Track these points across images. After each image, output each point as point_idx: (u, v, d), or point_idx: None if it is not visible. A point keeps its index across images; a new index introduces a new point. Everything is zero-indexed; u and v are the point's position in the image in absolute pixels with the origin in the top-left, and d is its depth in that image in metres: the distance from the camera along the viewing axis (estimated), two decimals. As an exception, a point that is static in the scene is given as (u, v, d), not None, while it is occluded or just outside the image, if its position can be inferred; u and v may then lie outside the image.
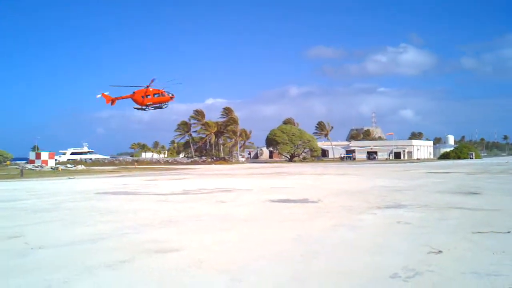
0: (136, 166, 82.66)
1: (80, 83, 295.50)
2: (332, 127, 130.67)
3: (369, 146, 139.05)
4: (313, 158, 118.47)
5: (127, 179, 38.13)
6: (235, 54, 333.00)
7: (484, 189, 22.33)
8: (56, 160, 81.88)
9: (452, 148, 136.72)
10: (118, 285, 6.84)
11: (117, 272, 7.45)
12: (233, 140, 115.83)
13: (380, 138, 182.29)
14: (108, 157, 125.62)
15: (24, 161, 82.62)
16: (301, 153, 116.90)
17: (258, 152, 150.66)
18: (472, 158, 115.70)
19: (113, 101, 58.13)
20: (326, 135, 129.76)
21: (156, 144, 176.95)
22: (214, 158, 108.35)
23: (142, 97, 56.97)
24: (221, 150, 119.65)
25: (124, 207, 16.69)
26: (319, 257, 8.24)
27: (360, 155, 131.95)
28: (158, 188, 26.31)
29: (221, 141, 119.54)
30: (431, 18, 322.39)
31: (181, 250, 8.96)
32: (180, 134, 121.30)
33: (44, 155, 73.03)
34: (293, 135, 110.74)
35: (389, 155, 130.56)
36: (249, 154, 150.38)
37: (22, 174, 46.98)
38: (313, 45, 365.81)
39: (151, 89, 56.90)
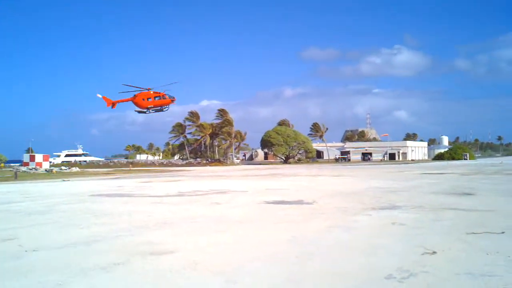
0: (131, 168, 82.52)
1: (75, 84, 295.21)
2: (327, 129, 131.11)
3: (364, 147, 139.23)
4: (308, 159, 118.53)
5: (121, 181, 38.04)
6: (230, 56, 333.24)
7: (478, 190, 22.41)
8: (50, 162, 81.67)
9: (446, 149, 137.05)
10: (112, 287, 6.83)
11: (112, 274, 7.43)
12: (228, 141, 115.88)
13: (375, 139, 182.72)
14: (102, 159, 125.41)
15: (18, 164, 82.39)
16: (296, 155, 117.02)
17: (253, 153, 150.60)
18: (467, 159, 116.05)
19: (113, 104, 58.03)
20: (321, 136, 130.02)
21: (151, 146, 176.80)
22: (209, 160, 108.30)
23: (143, 100, 56.86)
24: (216, 151, 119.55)
25: (118, 209, 16.64)
26: (314, 258, 8.25)
27: (355, 156, 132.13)
28: (153, 190, 26.26)
29: (216, 143, 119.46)
30: (425, 20, 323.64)
31: (176, 252, 8.95)
32: (175, 136, 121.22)
33: (38, 157, 72.92)
34: (288, 137, 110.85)
35: (384, 156, 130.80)
36: (244, 155, 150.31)
37: (16, 177, 46.80)
38: (307, 47, 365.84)
39: (152, 92, 56.81)
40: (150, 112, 58.96)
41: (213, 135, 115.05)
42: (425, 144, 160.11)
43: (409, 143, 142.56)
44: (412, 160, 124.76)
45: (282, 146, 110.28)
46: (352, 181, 32.13)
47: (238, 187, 27.38)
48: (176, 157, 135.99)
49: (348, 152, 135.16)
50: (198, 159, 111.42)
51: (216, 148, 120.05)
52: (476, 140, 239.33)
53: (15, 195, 24.57)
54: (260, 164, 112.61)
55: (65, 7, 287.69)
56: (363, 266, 7.62)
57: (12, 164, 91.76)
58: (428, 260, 7.92)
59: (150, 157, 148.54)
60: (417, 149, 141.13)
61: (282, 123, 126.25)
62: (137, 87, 56.39)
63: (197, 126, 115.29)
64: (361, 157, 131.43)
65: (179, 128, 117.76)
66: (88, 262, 8.17)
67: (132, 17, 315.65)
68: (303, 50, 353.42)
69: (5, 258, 8.70)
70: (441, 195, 19.72)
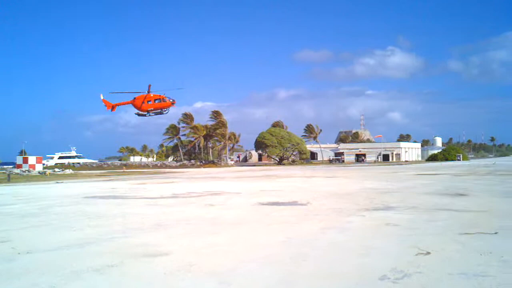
0: (125, 170, 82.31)
1: (68, 86, 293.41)
2: (321, 130, 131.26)
3: (358, 149, 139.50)
4: (302, 161, 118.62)
5: (115, 183, 37.93)
6: (223, 58, 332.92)
7: (472, 190, 22.51)
8: (43, 164, 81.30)
9: (440, 150, 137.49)
10: (106, 289, 6.81)
11: (105, 276, 7.41)
12: (222, 143, 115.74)
13: (368, 141, 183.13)
14: (96, 161, 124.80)
15: (11, 166, 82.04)
16: (290, 156, 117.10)
17: (247, 155, 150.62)
18: (460, 160, 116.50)
19: (113, 107, 57.78)
20: (315, 137, 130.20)
21: (144, 148, 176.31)
22: (203, 162, 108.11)
23: (143, 103, 56.63)
24: (210, 153, 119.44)
25: (112, 211, 16.60)
26: (308, 259, 8.26)
27: (349, 157, 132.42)
28: (147, 192, 26.20)
29: (210, 144, 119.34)
30: (418, 21, 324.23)
31: (170, 254, 8.93)
32: (169, 138, 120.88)
33: (32, 160, 72.57)
34: (282, 138, 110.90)
35: (378, 158, 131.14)
36: (238, 157, 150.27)
37: (9, 179, 46.57)
38: (301, 48, 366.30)
39: (151, 95, 56.57)
40: (150, 115, 58.74)
41: (207, 137, 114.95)
42: (419, 145, 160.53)
43: (402, 144, 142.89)
44: (405, 161, 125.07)
45: (276, 148, 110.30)
46: (346, 182, 32.18)
47: (232, 189, 27.36)
48: (170, 158, 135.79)
49: (342, 153, 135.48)
50: (192, 160, 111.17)
51: (210, 150, 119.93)
52: (469, 141, 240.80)
53: (8, 198, 24.45)
54: (254, 165, 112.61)
55: (61, 8, 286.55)
56: (357, 267, 7.64)
57: (5, 166, 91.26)
58: (422, 261, 7.94)
59: (144, 159, 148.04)
60: (411, 150, 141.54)
61: (276, 125, 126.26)
62: (129, 92, 56.27)
63: (191, 128, 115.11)
64: (355, 158, 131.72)
65: (173, 130, 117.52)
66: (82, 264, 8.14)
67: (127, 19, 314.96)
68: (297, 52, 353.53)
69: (-2, 261, 8.65)
70: (434, 196, 19.79)
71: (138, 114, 58.68)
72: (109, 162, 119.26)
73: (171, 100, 57.80)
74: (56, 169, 77.08)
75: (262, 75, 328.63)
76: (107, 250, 9.41)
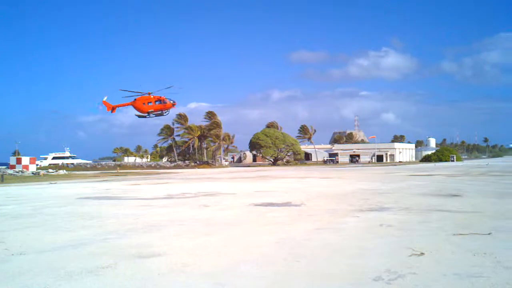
0: (119, 171, 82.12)
1: (62, 87, 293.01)
2: (315, 131, 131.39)
3: (352, 149, 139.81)
4: (297, 161, 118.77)
5: (109, 184, 37.83)
6: (218, 58, 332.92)
7: (465, 191, 22.59)
8: (37, 165, 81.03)
9: (433, 151, 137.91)
10: (100, 291, 6.78)
11: (99, 277, 7.38)
12: (217, 144, 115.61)
13: (362, 141, 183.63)
14: (90, 161, 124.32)
15: (5, 166, 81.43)
16: (285, 157, 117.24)
17: (242, 155, 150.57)
18: (454, 161, 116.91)
19: (113, 109, 57.56)
20: (309, 138, 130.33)
21: (138, 148, 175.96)
22: (198, 162, 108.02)
23: (144, 104, 56.40)
24: (205, 154, 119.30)
25: (106, 212, 16.55)
26: (302, 260, 8.25)
27: (343, 158, 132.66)
28: (141, 193, 26.14)
29: (204, 145, 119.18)
30: (412, 22, 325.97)
31: (164, 254, 8.91)
32: (163, 138, 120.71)
33: (25, 160, 72.21)
34: (276, 139, 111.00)
35: (372, 158, 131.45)
36: (233, 158, 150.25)
37: (2, 180, 46.36)
38: (296, 50, 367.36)
39: (152, 96, 56.34)
40: (150, 117, 58.52)
41: (201, 137, 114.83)
42: (413, 146, 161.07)
43: (396, 145, 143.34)
44: (399, 162, 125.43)
45: (271, 148, 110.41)
46: (340, 183, 32.22)
47: (226, 190, 27.35)
48: (165, 159, 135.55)
49: (336, 154, 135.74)
50: (186, 161, 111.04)
51: (205, 150, 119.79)
52: (463, 142, 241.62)
53: (1, 198, 24.33)
54: (248, 166, 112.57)
55: (60, 8, 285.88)
56: (351, 268, 7.65)
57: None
58: (415, 262, 7.96)
59: (138, 160, 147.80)
60: (405, 151, 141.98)
61: (270, 125, 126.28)
62: (137, 92, 56.02)
63: (185, 128, 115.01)
64: (349, 159, 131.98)
65: (167, 131, 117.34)
66: (75, 266, 8.11)
67: (122, 20, 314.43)
68: (291, 53, 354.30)
69: (-10, 262, 8.61)
70: (428, 197, 19.85)
71: (139, 116, 58.46)
72: (103, 163, 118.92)
73: (171, 102, 57.61)
74: (50, 170, 76.83)
75: (257, 76, 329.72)
76: (100, 251, 9.38)
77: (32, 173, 64.81)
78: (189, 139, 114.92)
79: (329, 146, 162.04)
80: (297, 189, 26.89)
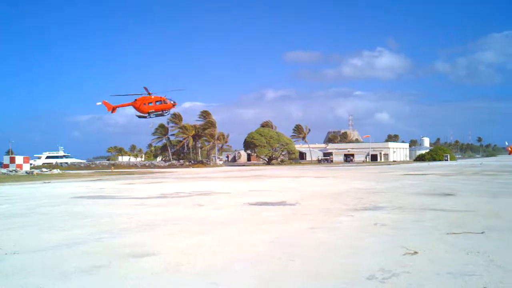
0: (113, 170, 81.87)
1: (56, 86, 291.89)
2: (310, 130, 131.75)
3: (346, 149, 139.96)
4: (291, 160, 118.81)
5: (103, 183, 37.72)
6: (213, 58, 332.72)
7: (459, 190, 22.67)
8: (31, 164, 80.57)
9: (427, 150, 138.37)
10: (93, 290, 6.77)
11: (93, 277, 7.36)
12: (211, 143, 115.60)
13: (357, 141, 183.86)
14: (84, 161, 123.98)
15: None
16: (279, 156, 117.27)
17: (236, 155, 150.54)
18: (447, 160, 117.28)
19: (114, 109, 57.35)
20: (303, 138, 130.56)
21: (133, 148, 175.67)
22: (192, 162, 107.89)
23: (144, 104, 56.18)
24: (199, 153, 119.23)
25: (100, 212, 16.50)
26: (296, 259, 8.26)
27: (338, 157, 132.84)
28: (135, 192, 26.08)
29: (199, 144, 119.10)
30: (406, 22, 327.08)
31: (158, 254, 8.90)
32: (157, 138, 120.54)
33: (19, 159, 71.83)
34: (271, 138, 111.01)
35: (366, 158, 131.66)
36: (227, 157, 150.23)
37: (-5, 179, 46.10)
38: (290, 49, 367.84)
39: (153, 97, 56.12)
40: (151, 117, 58.33)
41: (196, 137, 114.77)
42: (407, 145, 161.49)
43: (391, 144, 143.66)
44: (393, 161, 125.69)
45: (265, 148, 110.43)
46: (334, 182, 32.27)
47: (221, 189, 27.33)
48: (159, 158, 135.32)
49: (330, 154, 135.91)
50: (181, 160, 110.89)
51: (199, 150, 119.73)
52: (457, 141, 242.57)
53: (-6, 198, 24.20)
54: (243, 165, 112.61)
55: (56, 9, 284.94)
56: (345, 267, 7.66)
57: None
58: (409, 260, 7.99)
59: (133, 159, 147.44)
60: (399, 151, 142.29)
61: (265, 125, 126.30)
62: (137, 94, 55.89)
63: (180, 128, 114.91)
64: (344, 158, 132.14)
65: (161, 130, 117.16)
66: (69, 265, 8.09)
67: (121, 20, 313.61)
68: (286, 53, 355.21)
69: (-16, 262, 8.57)
70: (422, 196, 19.91)
71: (139, 116, 58.23)
72: (97, 162, 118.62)
73: (172, 102, 57.44)
74: (44, 169, 76.43)
75: (251, 76, 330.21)
76: (94, 251, 9.35)
77: (26, 172, 64.50)
78: (184, 139, 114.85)
79: (323, 145, 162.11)
80: (292, 188, 26.91)
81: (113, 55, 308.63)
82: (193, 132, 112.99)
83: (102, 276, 7.40)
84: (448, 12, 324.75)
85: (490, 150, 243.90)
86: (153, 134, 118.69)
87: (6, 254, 9.21)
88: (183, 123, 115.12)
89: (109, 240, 10.59)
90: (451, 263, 7.78)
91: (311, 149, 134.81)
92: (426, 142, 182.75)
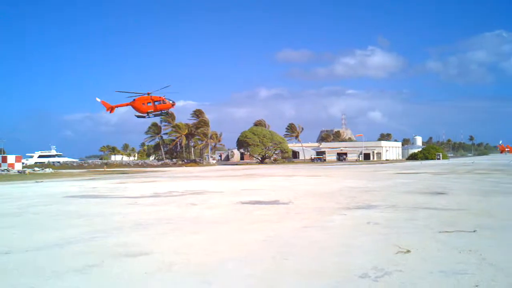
0: (106, 169, 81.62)
1: (48, 84, 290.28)
2: (303, 129, 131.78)
3: (339, 148, 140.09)
4: (284, 159, 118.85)
5: (96, 182, 37.61)
6: (205, 57, 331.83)
7: (451, 189, 22.78)
8: (23, 163, 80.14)
9: (420, 149, 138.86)
10: (86, 290, 6.75)
11: (86, 276, 7.34)
12: (204, 142, 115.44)
13: (350, 140, 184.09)
14: (77, 160, 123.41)
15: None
16: (272, 155, 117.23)
17: (229, 154, 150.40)
18: (440, 159, 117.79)
19: (112, 109, 57.04)
20: (296, 136, 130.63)
21: (126, 147, 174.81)
22: (185, 161, 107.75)
23: (143, 104, 55.94)
24: (192, 152, 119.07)
25: (93, 211, 16.46)
26: (289, 258, 8.28)
27: (330, 156, 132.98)
28: (128, 191, 26.02)
29: (192, 143, 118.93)
30: (398, 21, 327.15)
31: (151, 253, 8.89)
32: (150, 137, 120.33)
33: (11, 159, 71.44)
34: (264, 137, 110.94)
35: (359, 156, 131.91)
36: (220, 156, 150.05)
37: (-13, 178, 45.85)
38: (282, 48, 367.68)
39: (151, 97, 55.90)
40: (149, 117, 58.12)
41: (189, 136, 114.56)
42: (399, 144, 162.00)
43: (383, 143, 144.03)
44: (386, 160, 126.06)
45: (258, 147, 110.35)
46: (327, 181, 32.33)
47: (214, 188, 27.31)
48: (152, 157, 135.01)
49: (323, 152, 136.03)
50: (174, 159, 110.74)
51: (192, 149, 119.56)
52: (449, 140, 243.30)
53: (-14, 197, 24.07)
54: (236, 164, 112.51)
55: (56, 9, 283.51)
56: (338, 265, 7.68)
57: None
58: (402, 259, 8.02)
59: (125, 158, 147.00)
60: (392, 149, 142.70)
61: (258, 124, 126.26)
62: (136, 93, 55.54)
63: (172, 127, 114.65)
64: (337, 157, 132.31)
65: (154, 129, 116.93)
66: (62, 265, 8.06)
67: (121, 20, 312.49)
68: (278, 52, 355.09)
69: (-25, 262, 8.52)
70: (415, 195, 19.99)
71: (138, 116, 57.98)
72: (90, 161, 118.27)
73: (171, 102, 57.23)
74: (36, 168, 76.04)
75: (244, 75, 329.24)
76: (87, 250, 9.33)
77: (18, 172, 64.16)
78: (177, 138, 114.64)
79: (316, 144, 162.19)
80: (285, 187, 26.93)
81: (113, 55, 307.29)
82: (186, 131, 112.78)
83: (95, 276, 7.38)
84: (440, 11, 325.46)
85: (482, 149, 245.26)
86: (146, 133, 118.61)
87: (-2, 253, 9.17)
88: (176, 122, 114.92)
89: (102, 239, 10.56)
90: (444, 261, 7.82)
91: (304, 148, 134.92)
92: (419, 141, 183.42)
